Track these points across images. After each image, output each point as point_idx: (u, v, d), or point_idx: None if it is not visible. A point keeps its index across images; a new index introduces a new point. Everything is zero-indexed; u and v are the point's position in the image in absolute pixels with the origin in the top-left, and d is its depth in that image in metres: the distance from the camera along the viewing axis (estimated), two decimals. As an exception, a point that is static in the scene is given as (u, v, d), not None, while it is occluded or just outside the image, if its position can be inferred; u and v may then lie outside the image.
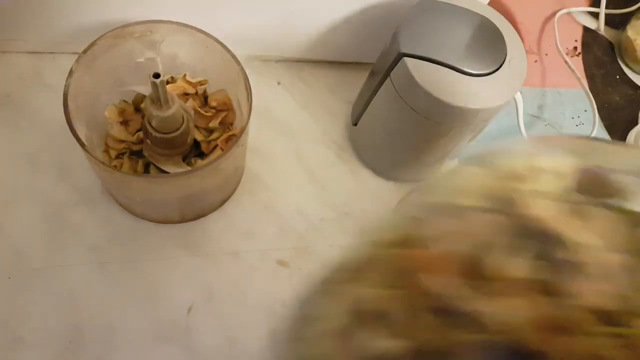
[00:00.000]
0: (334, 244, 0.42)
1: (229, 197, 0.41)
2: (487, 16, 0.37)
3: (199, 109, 0.38)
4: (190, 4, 0.39)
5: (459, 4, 0.37)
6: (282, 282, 0.40)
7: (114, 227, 0.38)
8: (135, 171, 0.37)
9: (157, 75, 0.30)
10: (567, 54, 0.56)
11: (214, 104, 0.39)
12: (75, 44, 0.41)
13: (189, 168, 0.36)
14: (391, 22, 0.41)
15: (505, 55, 0.36)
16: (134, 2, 0.38)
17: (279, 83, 0.47)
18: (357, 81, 0.47)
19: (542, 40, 0.56)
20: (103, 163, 0.30)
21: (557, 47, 0.54)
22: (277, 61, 0.48)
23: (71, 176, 0.39)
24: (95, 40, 0.33)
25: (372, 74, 0.41)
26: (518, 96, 0.40)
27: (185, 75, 0.38)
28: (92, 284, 0.37)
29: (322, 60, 0.48)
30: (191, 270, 0.39)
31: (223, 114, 0.39)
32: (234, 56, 0.35)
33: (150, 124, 0.34)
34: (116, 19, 0.39)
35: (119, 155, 0.37)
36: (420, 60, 0.34)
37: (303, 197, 0.43)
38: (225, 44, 0.35)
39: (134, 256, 0.38)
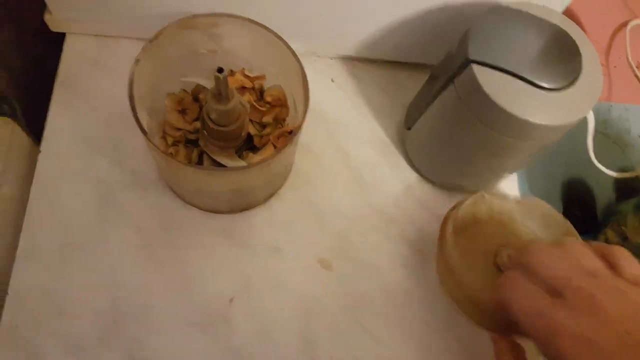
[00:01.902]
0: (376, 247, 0.41)
1: (276, 192, 0.41)
2: (562, 26, 0.35)
3: (254, 103, 0.38)
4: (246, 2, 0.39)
5: (533, 12, 0.35)
6: (321, 281, 0.39)
7: (163, 212, 0.39)
8: (189, 159, 0.37)
9: (220, 70, 0.30)
10: (637, 67, 0.53)
11: (269, 99, 0.39)
12: (138, 29, 0.42)
13: (243, 162, 0.36)
14: (457, 25, 0.39)
15: (581, 70, 0.34)
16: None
17: (332, 80, 0.47)
18: (413, 83, 0.46)
19: (612, 51, 0.53)
20: (163, 152, 0.31)
21: (627, 59, 0.51)
22: (333, 58, 0.47)
23: (126, 158, 0.40)
24: (161, 30, 0.33)
25: (433, 77, 0.39)
26: (590, 115, 0.37)
27: (244, 69, 0.38)
28: (136, 265, 0.38)
29: (379, 59, 0.47)
30: (233, 261, 0.39)
31: (277, 110, 0.39)
32: (294, 54, 0.34)
33: (209, 116, 0.34)
34: (179, 8, 0.40)
35: (175, 143, 0.38)
36: (488, 69, 0.33)
37: (348, 197, 0.42)
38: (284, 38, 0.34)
39: (180, 242, 0.39)
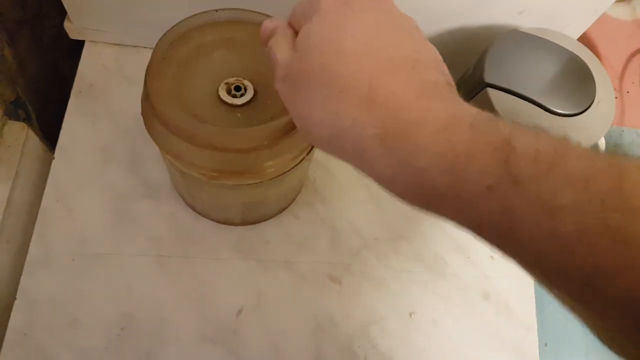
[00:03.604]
0: (386, 266, 0.41)
1: (288, 205, 0.41)
2: (577, 53, 0.36)
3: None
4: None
5: (549, 38, 0.36)
6: (331, 298, 0.39)
7: (176, 223, 0.39)
8: (203, 172, 0.37)
9: (238, 88, 0.30)
10: (648, 93, 0.53)
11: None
12: (157, 40, 0.43)
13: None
14: (474, 48, 0.40)
15: (594, 97, 0.34)
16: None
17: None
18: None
19: (625, 76, 0.53)
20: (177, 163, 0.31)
21: (640, 85, 0.52)
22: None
23: (141, 169, 0.40)
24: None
25: (447, 99, 0.40)
26: (601, 141, 0.38)
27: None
28: (149, 276, 0.38)
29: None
30: (244, 273, 0.39)
31: (292, 124, 0.40)
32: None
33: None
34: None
35: (189, 154, 0.38)
36: (504, 93, 0.33)
37: (360, 214, 0.42)
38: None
39: (192, 253, 0.39)
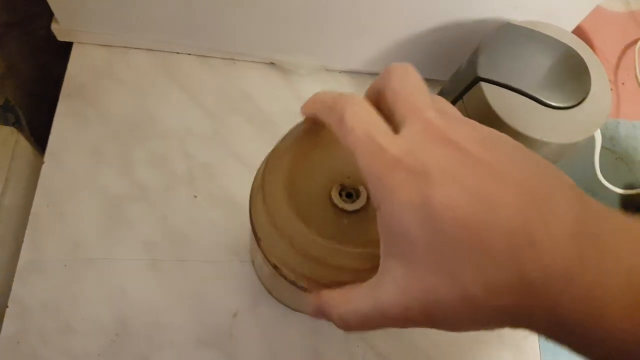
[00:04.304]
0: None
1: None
2: (571, 45, 0.35)
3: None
4: (258, 16, 0.39)
5: (543, 31, 0.35)
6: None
7: (170, 226, 0.39)
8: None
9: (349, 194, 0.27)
10: (645, 84, 0.53)
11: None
12: (146, 40, 0.42)
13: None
14: (467, 42, 0.39)
15: (589, 89, 0.34)
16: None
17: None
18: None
19: (620, 68, 0.53)
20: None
21: (635, 76, 0.51)
22: (341, 72, 0.47)
23: (133, 171, 0.40)
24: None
25: (442, 94, 0.39)
26: (597, 133, 0.37)
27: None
28: (143, 280, 0.37)
29: (386, 73, 0.47)
30: (239, 276, 0.38)
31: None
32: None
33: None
34: (189, 21, 0.39)
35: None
36: (497, 87, 0.33)
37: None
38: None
39: (186, 256, 0.38)
